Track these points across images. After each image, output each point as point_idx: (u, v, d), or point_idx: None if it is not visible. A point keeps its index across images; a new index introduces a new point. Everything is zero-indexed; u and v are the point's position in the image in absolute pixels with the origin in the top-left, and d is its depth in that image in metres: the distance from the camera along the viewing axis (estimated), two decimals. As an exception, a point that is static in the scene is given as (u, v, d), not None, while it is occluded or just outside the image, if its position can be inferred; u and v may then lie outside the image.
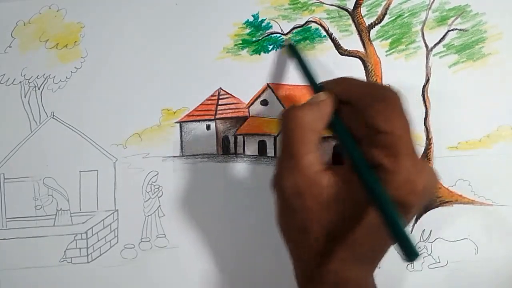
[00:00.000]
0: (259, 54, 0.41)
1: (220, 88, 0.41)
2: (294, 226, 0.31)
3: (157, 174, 0.41)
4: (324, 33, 0.41)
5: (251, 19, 0.41)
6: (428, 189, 0.29)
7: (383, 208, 0.27)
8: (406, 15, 0.41)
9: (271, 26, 0.41)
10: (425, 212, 0.41)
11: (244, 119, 0.42)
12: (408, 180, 0.28)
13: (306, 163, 0.30)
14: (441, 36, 0.41)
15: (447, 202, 0.41)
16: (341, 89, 0.32)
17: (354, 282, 0.31)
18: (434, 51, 0.41)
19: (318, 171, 0.30)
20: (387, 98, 0.30)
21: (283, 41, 0.41)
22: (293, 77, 0.41)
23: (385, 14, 0.41)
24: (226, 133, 0.42)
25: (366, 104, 0.30)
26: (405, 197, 0.28)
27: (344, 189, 0.30)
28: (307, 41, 0.41)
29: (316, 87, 0.35)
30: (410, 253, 0.26)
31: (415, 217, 0.41)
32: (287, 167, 0.30)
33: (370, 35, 0.41)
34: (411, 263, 0.27)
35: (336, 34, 0.41)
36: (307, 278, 0.32)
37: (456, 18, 0.41)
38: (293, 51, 0.39)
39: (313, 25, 0.41)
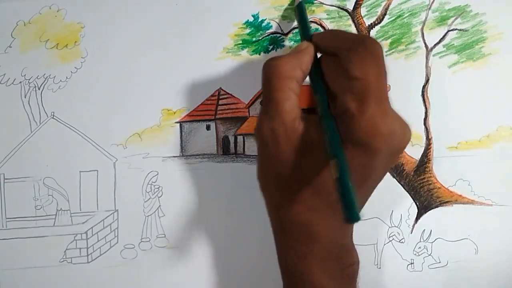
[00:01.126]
0: (259, 54, 0.41)
1: (220, 88, 0.41)
2: (270, 172, 0.32)
3: (157, 174, 0.41)
4: (324, 33, 0.41)
5: (251, 19, 0.41)
6: (396, 135, 0.29)
7: (334, 157, 0.28)
8: (406, 15, 0.41)
9: (271, 26, 0.41)
10: (425, 212, 0.41)
11: (244, 119, 0.42)
12: (371, 122, 0.28)
13: (283, 110, 0.30)
14: (441, 36, 0.41)
15: (447, 202, 0.41)
16: (326, 40, 0.33)
17: (327, 237, 0.31)
18: (434, 51, 0.41)
19: (294, 118, 0.31)
20: (364, 45, 0.29)
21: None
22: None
23: (385, 14, 0.41)
24: (226, 133, 0.42)
25: (344, 51, 0.30)
26: (367, 139, 0.28)
27: (317, 136, 0.30)
28: (307, 41, 0.41)
29: (305, 37, 0.35)
30: (349, 211, 0.26)
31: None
32: (266, 114, 0.31)
33: (370, 35, 0.41)
34: (349, 221, 0.26)
35: (336, 34, 0.41)
36: (281, 231, 0.32)
37: (456, 18, 0.41)
38: (299, 8, 0.38)
39: (313, 26, 0.41)
